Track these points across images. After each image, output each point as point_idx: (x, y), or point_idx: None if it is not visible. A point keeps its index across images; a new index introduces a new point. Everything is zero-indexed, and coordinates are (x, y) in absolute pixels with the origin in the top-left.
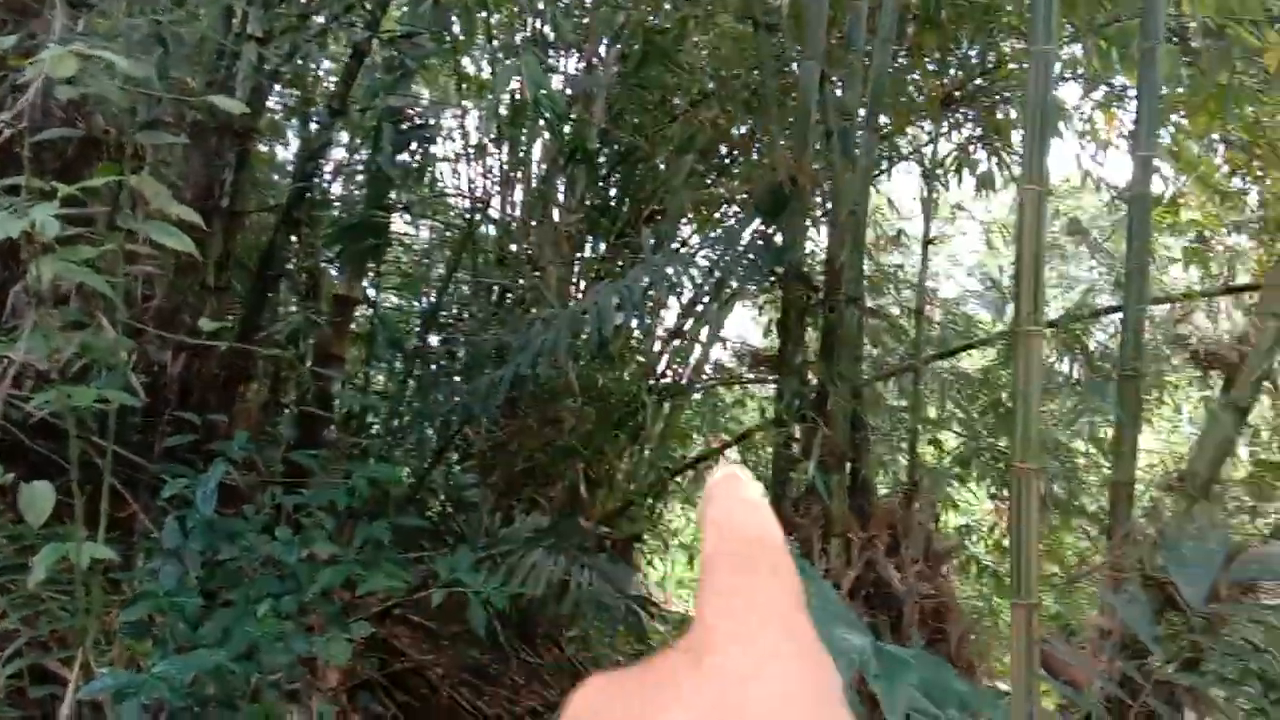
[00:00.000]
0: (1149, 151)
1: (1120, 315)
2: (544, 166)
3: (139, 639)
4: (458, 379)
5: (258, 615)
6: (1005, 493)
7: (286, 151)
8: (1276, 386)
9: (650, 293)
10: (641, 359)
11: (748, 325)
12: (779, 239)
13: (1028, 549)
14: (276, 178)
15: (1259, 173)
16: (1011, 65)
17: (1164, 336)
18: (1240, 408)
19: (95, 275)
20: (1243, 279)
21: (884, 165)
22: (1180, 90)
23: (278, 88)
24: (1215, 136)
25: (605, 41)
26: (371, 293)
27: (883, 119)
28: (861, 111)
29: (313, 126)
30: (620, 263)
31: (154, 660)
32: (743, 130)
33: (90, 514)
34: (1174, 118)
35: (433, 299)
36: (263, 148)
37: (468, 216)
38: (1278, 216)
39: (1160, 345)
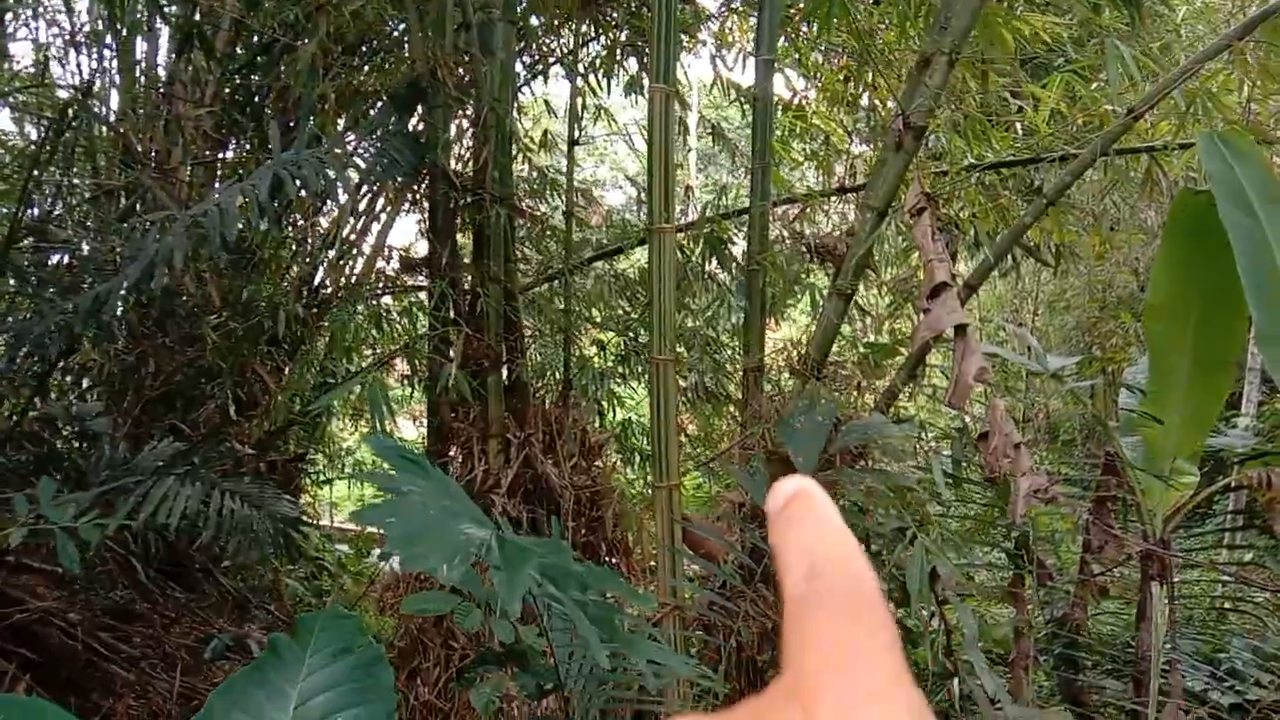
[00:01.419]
0: (769, 55)
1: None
2: (168, 59)
3: None
4: (60, 294)
5: None
6: None
7: None
8: (876, 273)
9: (284, 192)
10: (296, 269)
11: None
12: (423, 137)
13: (666, 435)
14: None
15: (869, 82)
16: None
17: (787, 233)
18: (845, 294)
19: None
20: (861, 182)
21: (537, 68)
22: None
23: None
24: (834, 45)
25: None
26: None
27: (535, 21)
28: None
29: None
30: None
31: None
32: (400, 28)
33: None
34: (802, 27)
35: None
36: None
37: (67, 108)
38: (884, 120)
39: (784, 241)
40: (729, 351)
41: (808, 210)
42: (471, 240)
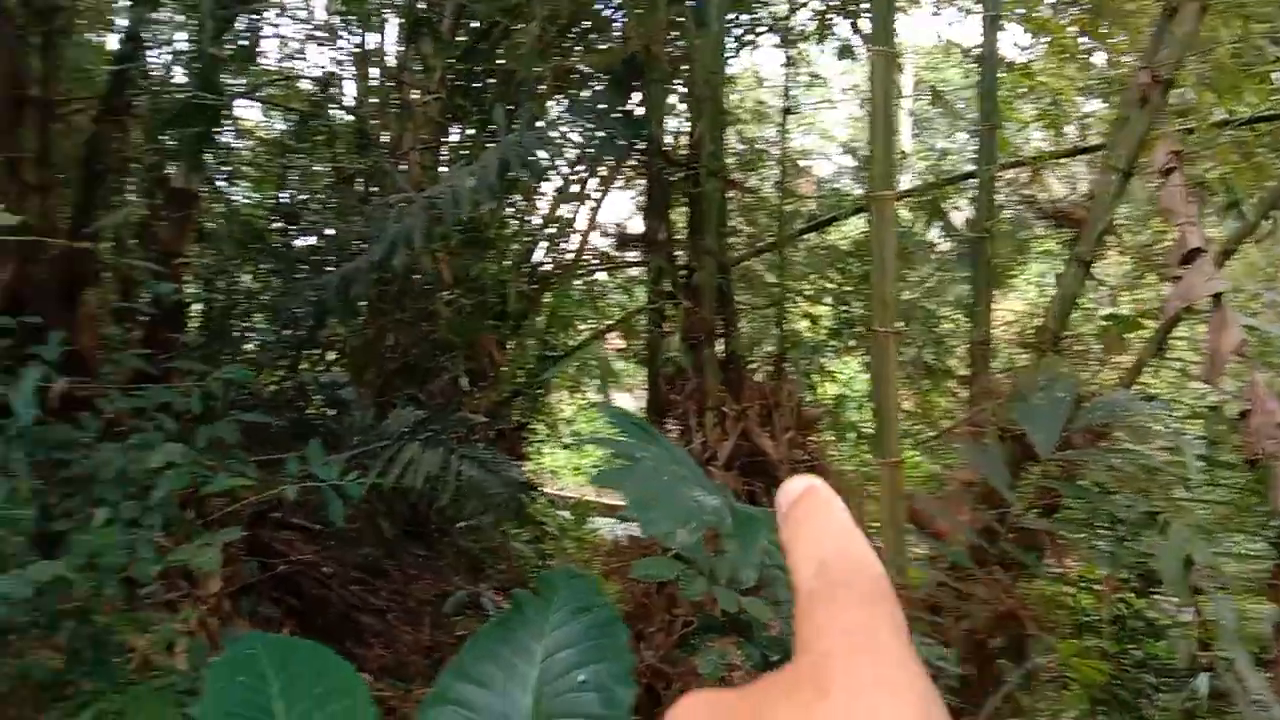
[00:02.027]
0: (995, 11)
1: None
2: (401, 48)
3: None
4: (310, 273)
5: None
6: None
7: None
8: (1119, 239)
9: (510, 173)
10: (518, 247)
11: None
12: (639, 114)
13: (888, 410)
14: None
15: (1105, 35)
16: None
17: (1017, 198)
18: (1085, 262)
19: None
20: (1095, 142)
21: (748, 37)
22: None
23: None
24: None
25: None
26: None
27: None
28: None
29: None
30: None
31: None
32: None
33: None
34: None
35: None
36: (92, 37)
37: (314, 101)
38: (1122, 76)
39: (1013, 207)
40: (950, 325)
41: (1039, 173)
42: (687, 215)
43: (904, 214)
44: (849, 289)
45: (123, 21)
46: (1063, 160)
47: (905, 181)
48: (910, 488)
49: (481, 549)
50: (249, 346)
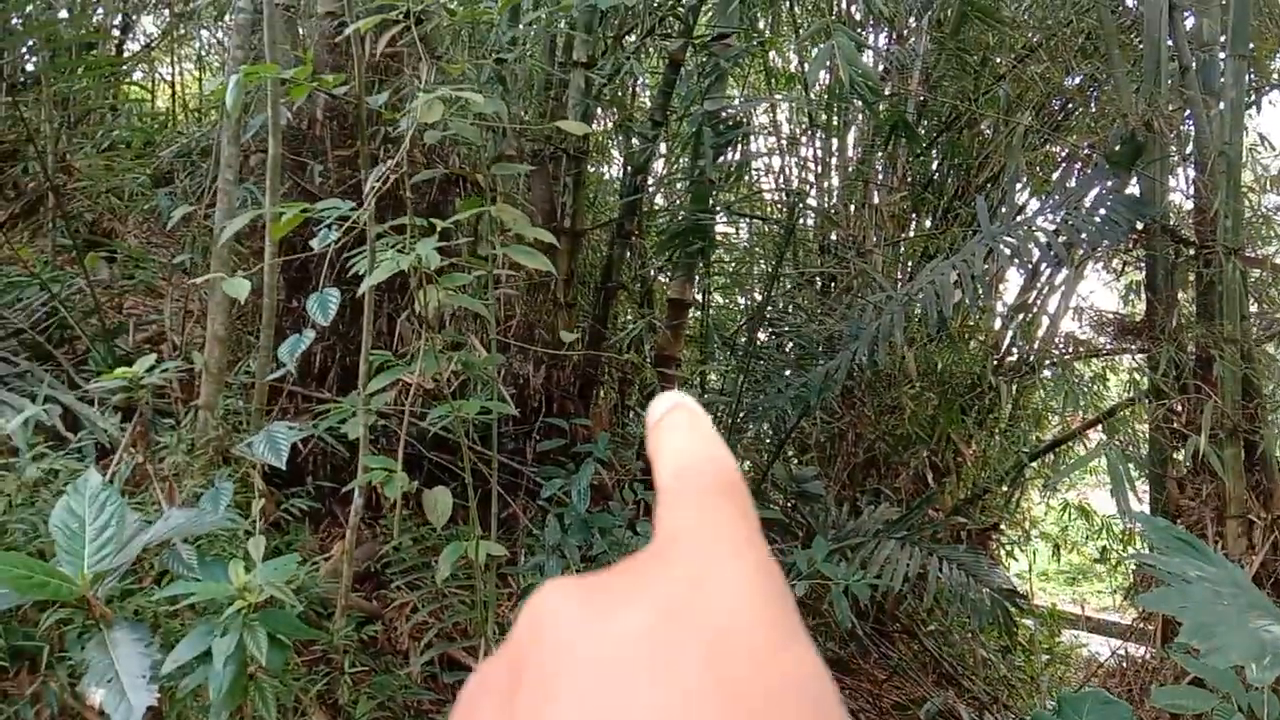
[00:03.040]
0: None
1: None
2: (860, 150)
3: None
4: (789, 372)
5: None
6: None
7: (612, 170)
8: None
9: (988, 265)
10: (983, 337)
11: (1100, 292)
12: (1135, 191)
13: None
14: (606, 197)
15: None
16: None
17: None
18: None
19: (471, 299)
20: None
21: (1250, 97)
22: None
23: (598, 110)
24: None
25: (918, 7)
26: (701, 295)
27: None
28: (1222, 38)
29: (634, 141)
30: (949, 238)
31: None
32: (1076, 80)
33: (481, 516)
34: None
35: (758, 295)
36: (590, 169)
37: (788, 208)
38: None
39: None
40: None
41: None
42: (1196, 297)
43: None
44: None
45: (617, 153)
46: None
47: None
48: None
49: (952, 655)
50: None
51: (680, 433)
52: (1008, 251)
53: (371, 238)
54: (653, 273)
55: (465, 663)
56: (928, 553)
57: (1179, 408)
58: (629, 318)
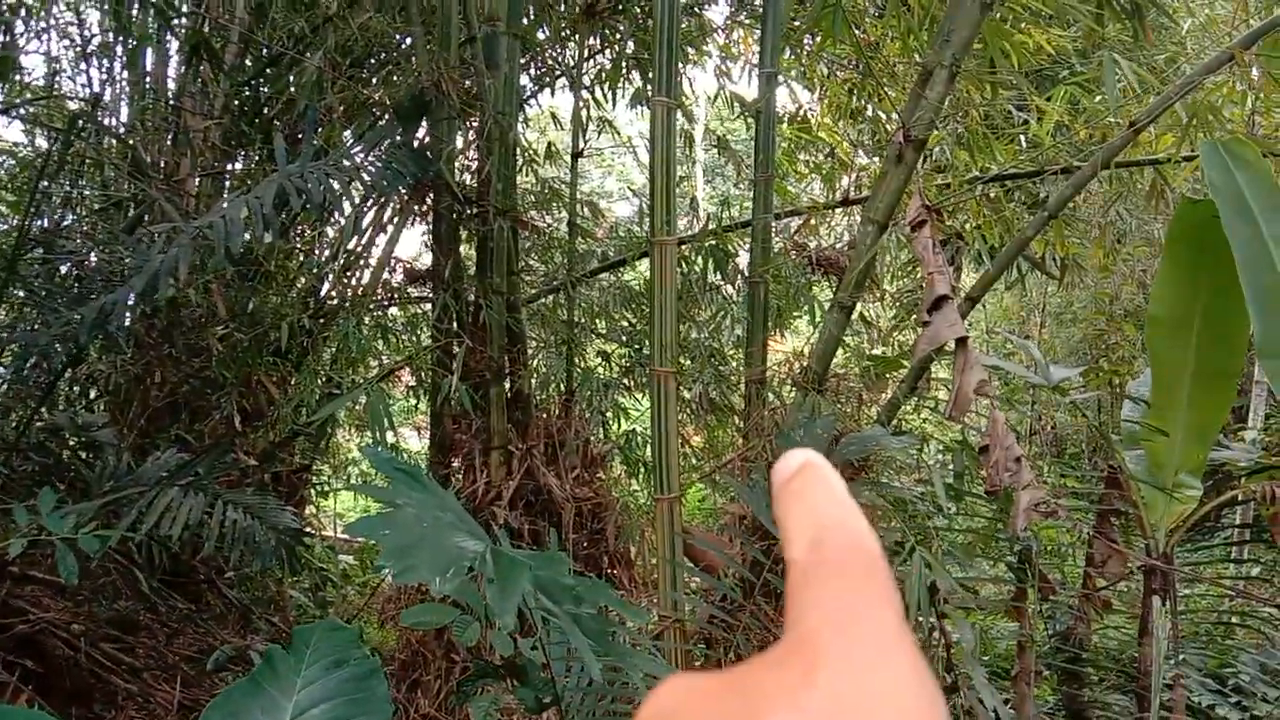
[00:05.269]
0: (772, 68)
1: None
2: (172, 71)
3: None
4: (64, 305)
5: None
6: None
7: None
8: (879, 286)
9: (287, 204)
10: (303, 280)
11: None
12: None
13: (667, 447)
14: None
15: (874, 93)
16: None
17: (790, 245)
18: (846, 306)
19: None
20: (865, 194)
21: (544, 80)
22: (802, 10)
23: None
24: (838, 57)
25: None
26: None
27: (541, 34)
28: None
29: None
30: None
31: None
32: (400, 37)
33: None
34: (806, 40)
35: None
36: None
37: (76, 119)
38: (888, 133)
39: (788, 254)
40: (733, 363)
41: (811, 222)
42: (475, 252)
43: (692, 257)
44: (639, 328)
45: None
46: (835, 211)
47: (695, 227)
48: (687, 523)
49: (253, 600)
50: None
51: (812, 498)
52: (295, 190)
53: None
54: None
55: None
56: (213, 498)
57: (454, 350)
58: None
